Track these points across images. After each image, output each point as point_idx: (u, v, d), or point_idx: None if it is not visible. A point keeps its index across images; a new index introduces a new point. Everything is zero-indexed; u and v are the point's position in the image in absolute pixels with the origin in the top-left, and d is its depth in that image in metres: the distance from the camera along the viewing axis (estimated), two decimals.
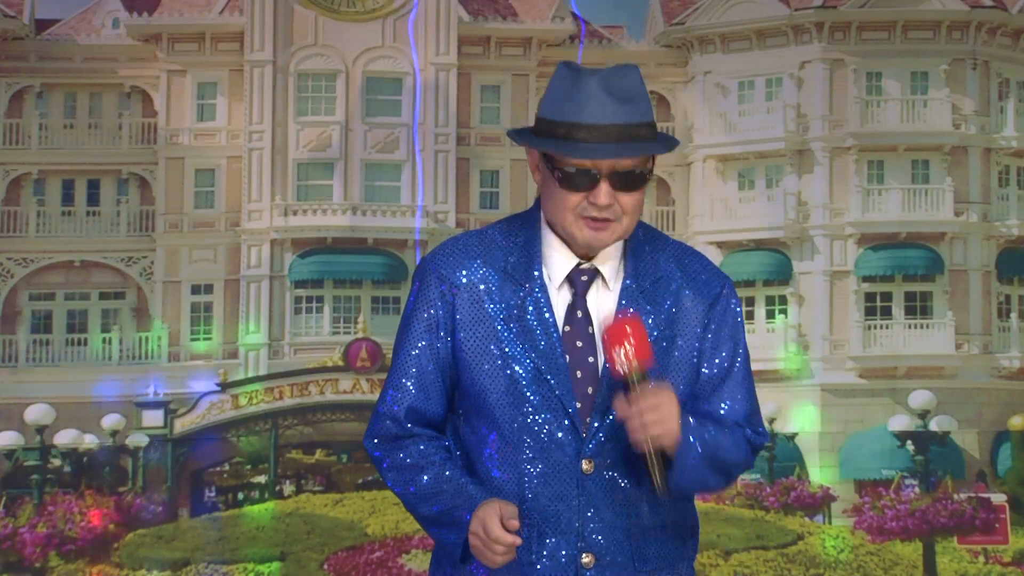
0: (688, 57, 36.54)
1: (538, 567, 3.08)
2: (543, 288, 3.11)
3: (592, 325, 3.11)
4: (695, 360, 3.15)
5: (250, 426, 31.25)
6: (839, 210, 34.87)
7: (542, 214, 3.18)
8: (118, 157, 35.80)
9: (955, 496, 21.03)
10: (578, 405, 3.07)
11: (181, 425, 30.55)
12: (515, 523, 2.95)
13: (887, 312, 34.66)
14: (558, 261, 3.13)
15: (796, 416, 32.44)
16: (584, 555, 3.08)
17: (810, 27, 35.22)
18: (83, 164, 35.72)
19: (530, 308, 3.10)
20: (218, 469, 33.83)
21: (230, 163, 35.58)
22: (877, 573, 19.92)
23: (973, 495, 21.72)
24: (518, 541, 2.95)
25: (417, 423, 3.18)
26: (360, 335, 31.89)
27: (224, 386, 31.07)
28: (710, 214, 35.62)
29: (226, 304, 35.15)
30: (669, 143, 3.13)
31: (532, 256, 3.14)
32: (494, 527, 2.95)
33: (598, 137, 3.02)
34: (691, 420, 3.06)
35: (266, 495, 30.51)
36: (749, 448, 3.16)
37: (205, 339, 35.11)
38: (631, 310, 3.07)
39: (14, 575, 20.09)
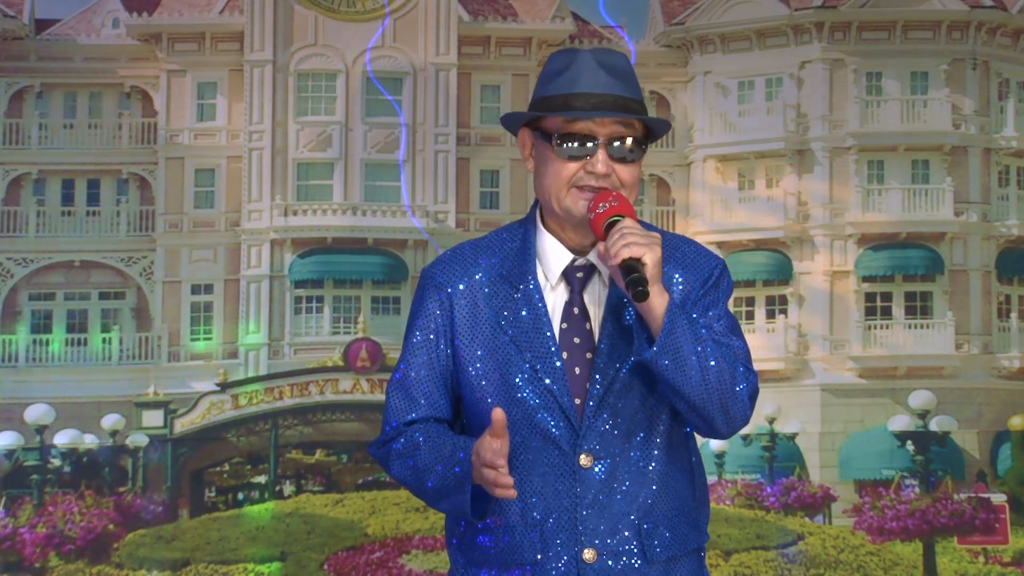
0: (688, 57, 36.53)
1: (543, 566, 3.10)
2: (537, 288, 3.14)
3: (590, 321, 3.14)
4: None
5: (250, 426, 31.23)
6: (839, 210, 34.85)
7: (537, 214, 3.22)
8: (118, 157, 35.77)
9: (955, 496, 21.05)
10: (576, 402, 3.10)
11: (181, 425, 30.53)
12: (499, 412, 2.95)
13: (887, 312, 34.64)
14: (554, 259, 3.17)
15: (796, 416, 32.44)
16: (586, 550, 3.09)
17: (810, 27, 35.21)
18: (83, 164, 35.69)
19: (524, 309, 3.13)
20: (218, 469, 33.79)
21: (230, 163, 35.56)
22: (877, 573, 19.93)
23: (973, 495, 21.74)
24: (499, 462, 2.95)
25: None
26: (360, 335, 31.88)
27: (224, 386, 31.05)
28: (710, 214, 35.60)
29: (226, 304, 35.12)
30: (664, 121, 3.23)
31: (527, 257, 3.17)
32: (483, 446, 2.97)
33: (595, 104, 3.10)
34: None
35: (266, 495, 30.49)
36: (745, 382, 3.13)
37: (205, 339, 35.08)
38: (614, 193, 3.10)
39: (14, 575, 20.08)
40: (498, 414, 2.93)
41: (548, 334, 3.11)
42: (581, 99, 3.09)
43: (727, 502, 25.98)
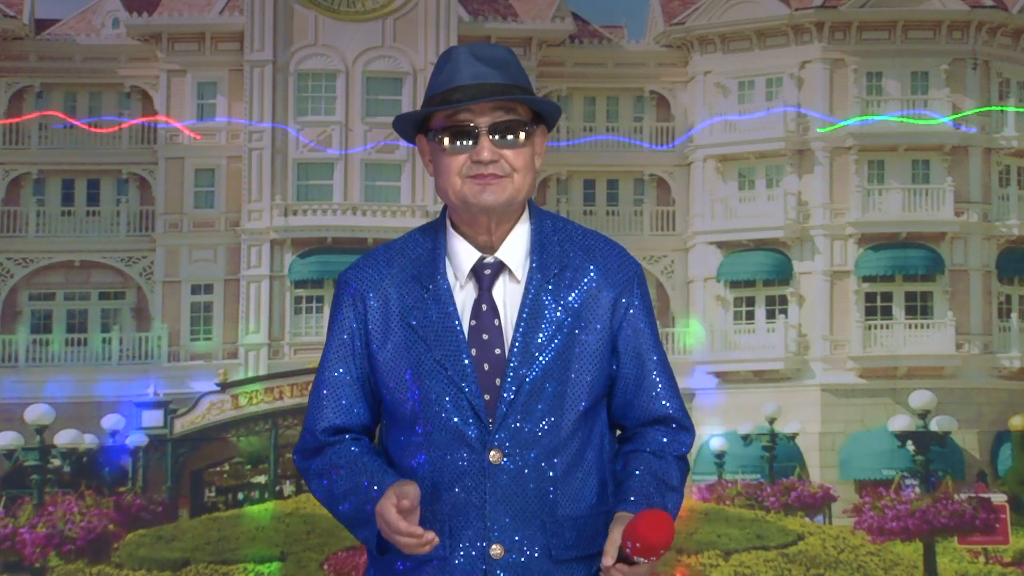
0: (688, 57, 36.54)
1: (451, 560, 3.12)
2: (447, 286, 3.17)
3: (499, 318, 3.16)
4: (607, 347, 3.20)
5: (250, 426, 31.23)
6: (839, 210, 34.87)
7: (447, 216, 3.25)
8: (118, 157, 35.79)
9: (955, 496, 21.03)
10: (486, 397, 3.12)
11: (181, 425, 30.52)
12: (405, 503, 2.97)
13: (887, 312, 34.66)
14: (462, 257, 3.20)
15: (796, 416, 32.43)
16: (493, 546, 3.11)
17: (810, 27, 35.21)
18: (83, 164, 35.71)
19: (433, 307, 3.16)
20: (218, 469, 33.80)
21: (230, 163, 35.58)
22: (877, 573, 19.92)
23: (973, 495, 21.72)
24: (416, 531, 2.98)
25: (336, 436, 3.25)
26: None
27: (224, 386, 31.04)
28: (710, 214, 35.61)
29: (226, 304, 35.14)
30: (552, 104, 3.22)
31: (436, 257, 3.21)
32: (392, 518, 2.99)
33: (471, 94, 3.12)
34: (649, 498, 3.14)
35: (266, 495, 30.49)
36: (685, 463, 3.24)
37: (205, 339, 35.10)
38: (664, 543, 3.05)
39: (14, 575, 20.08)
40: (404, 506, 2.97)
41: (457, 331, 3.13)
42: (458, 92, 3.12)
43: (727, 502, 25.97)
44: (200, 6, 36.32)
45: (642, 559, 2.98)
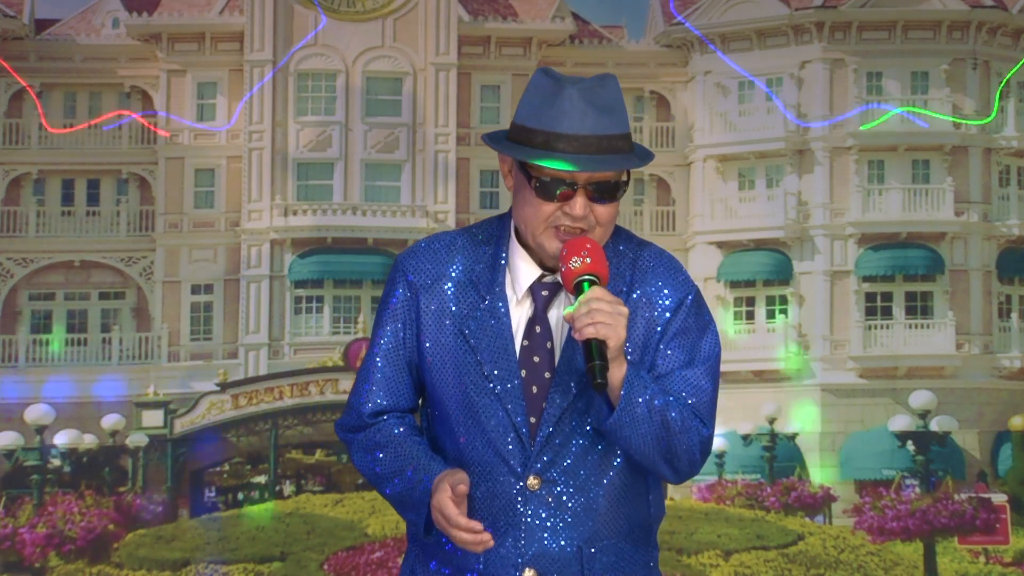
0: (688, 57, 36.53)
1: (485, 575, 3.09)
2: (504, 300, 3.10)
3: (551, 340, 3.09)
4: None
5: (250, 426, 31.24)
6: (839, 210, 34.86)
7: (512, 224, 3.16)
8: (118, 157, 35.78)
9: (956, 496, 21.05)
10: (532, 421, 3.06)
11: (181, 425, 30.54)
12: (463, 488, 2.95)
13: (887, 312, 34.65)
14: (523, 272, 3.12)
15: (796, 416, 32.45)
16: (527, 570, 3.07)
17: (810, 27, 35.21)
18: (83, 164, 35.70)
19: (490, 321, 3.09)
20: (218, 469, 33.80)
21: (230, 163, 35.57)
22: (878, 573, 19.94)
23: (974, 495, 21.74)
24: (475, 525, 2.95)
25: (381, 417, 3.23)
26: (360, 335, 31.89)
27: (224, 386, 31.06)
28: (710, 214, 35.61)
29: (226, 304, 35.13)
30: (645, 156, 3.11)
31: (497, 266, 3.13)
32: (451, 513, 2.96)
33: (577, 148, 2.99)
34: (644, 372, 3.03)
35: (266, 495, 30.51)
36: (698, 440, 3.07)
37: (205, 339, 35.09)
38: (589, 245, 3.01)
39: (14, 575, 20.10)
40: (461, 490, 2.94)
41: (510, 350, 3.07)
42: (564, 141, 2.98)
43: (727, 502, 25.98)
44: (200, 6, 36.31)
45: (577, 267, 2.93)
